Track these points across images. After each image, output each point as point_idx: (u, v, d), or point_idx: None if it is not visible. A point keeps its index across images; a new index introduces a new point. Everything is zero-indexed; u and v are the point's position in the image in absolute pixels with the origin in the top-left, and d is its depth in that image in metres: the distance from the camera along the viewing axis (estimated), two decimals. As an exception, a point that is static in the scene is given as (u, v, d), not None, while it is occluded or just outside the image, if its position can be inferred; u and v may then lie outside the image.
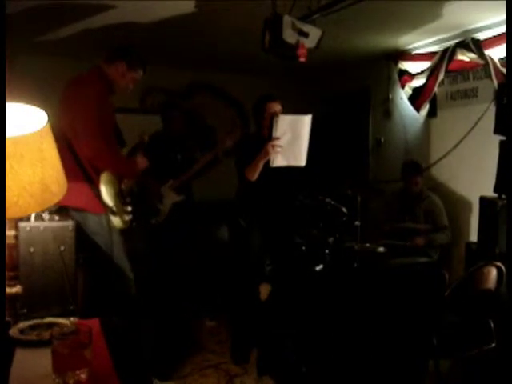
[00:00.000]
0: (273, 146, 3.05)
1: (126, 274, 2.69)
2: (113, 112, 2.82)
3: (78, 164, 2.53)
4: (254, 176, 3.18)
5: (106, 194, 2.59)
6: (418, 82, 4.43)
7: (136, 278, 2.77)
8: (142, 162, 2.84)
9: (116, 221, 2.65)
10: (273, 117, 3.10)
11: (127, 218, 2.72)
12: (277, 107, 3.33)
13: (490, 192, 3.18)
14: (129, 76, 2.77)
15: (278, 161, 3.13)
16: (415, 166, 4.14)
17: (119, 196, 2.71)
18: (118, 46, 2.82)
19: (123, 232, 2.77)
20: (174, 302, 4.00)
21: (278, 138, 3.05)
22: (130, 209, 2.77)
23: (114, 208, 2.62)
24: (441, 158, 4.26)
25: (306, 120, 3.13)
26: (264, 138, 3.36)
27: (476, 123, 3.84)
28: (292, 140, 3.12)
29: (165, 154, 4.10)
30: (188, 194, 4.18)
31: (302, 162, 3.20)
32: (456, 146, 4.08)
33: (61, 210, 2.47)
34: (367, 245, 3.40)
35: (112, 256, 2.60)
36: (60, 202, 2.48)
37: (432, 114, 4.42)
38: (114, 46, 2.82)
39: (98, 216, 2.60)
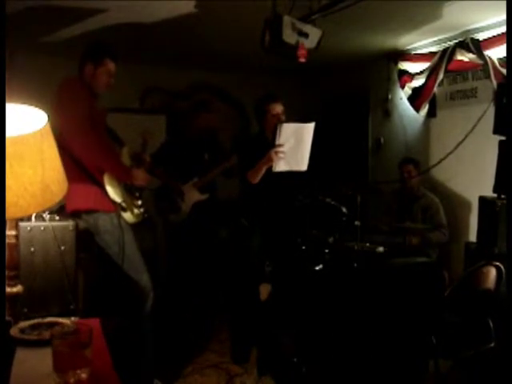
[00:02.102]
0: (276, 153, 3.09)
1: (140, 273, 2.68)
2: (102, 115, 2.80)
3: (82, 166, 2.53)
4: (256, 179, 3.23)
5: (113, 191, 2.59)
6: (418, 82, 4.43)
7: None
8: (141, 177, 2.74)
9: (127, 216, 2.66)
10: (276, 124, 3.15)
11: (138, 211, 2.72)
12: (279, 108, 3.36)
13: (489, 192, 3.19)
14: (99, 73, 2.69)
15: (281, 166, 3.19)
16: (409, 159, 4.18)
17: (127, 191, 2.71)
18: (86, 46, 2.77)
19: (136, 230, 2.77)
20: (174, 300, 4.01)
21: (281, 145, 3.10)
22: (140, 202, 2.76)
23: (124, 204, 2.62)
24: (442, 159, 4.25)
25: (309, 128, 3.20)
26: (267, 139, 3.38)
27: (477, 123, 3.84)
28: (295, 146, 3.18)
29: (190, 153, 4.09)
30: (212, 192, 4.17)
31: (303, 166, 3.28)
32: (458, 145, 4.07)
33: (61, 210, 2.48)
34: (367, 245, 3.40)
35: (124, 254, 2.60)
36: (70, 208, 2.51)
37: (431, 114, 4.43)
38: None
39: (109, 214, 2.60)
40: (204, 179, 4.07)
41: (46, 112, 1.38)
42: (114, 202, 2.59)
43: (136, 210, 2.72)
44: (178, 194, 4.00)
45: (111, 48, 2.76)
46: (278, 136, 3.10)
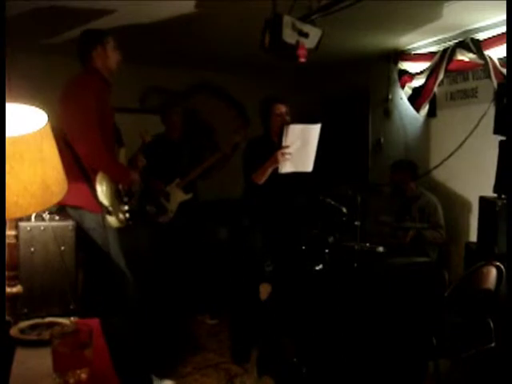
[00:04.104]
0: (282, 154, 3.10)
1: (124, 272, 2.69)
2: (112, 112, 2.82)
3: (76, 163, 2.54)
4: (262, 180, 3.26)
5: (102, 193, 2.60)
6: (418, 82, 4.43)
7: (138, 277, 2.77)
8: (135, 177, 2.81)
9: (112, 220, 2.66)
10: (283, 125, 3.16)
11: (123, 216, 2.73)
12: (283, 108, 3.38)
13: (489, 192, 3.19)
14: (110, 51, 2.78)
15: (287, 167, 3.21)
16: (399, 164, 4.16)
17: (116, 195, 2.72)
18: (79, 39, 2.85)
19: (125, 230, 2.78)
20: (174, 300, 4.01)
21: (287, 147, 3.11)
22: (126, 208, 2.78)
23: (110, 207, 2.63)
24: (444, 160, 4.26)
25: (315, 129, 3.22)
26: (272, 140, 3.38)
27: (478, 123, 3.84)
28: (301, 148, 3.20)
29: (171, 154, 4.10)
30: (193, 192, 4.19)
31: (309, 167, 3.31)
32: (459, 146, 4.08)
33: (61, 210, 2.48)
34: (367, 244, 3.41)
35: (108, 254, 2.61)
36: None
37: (432, 113, 4.42)
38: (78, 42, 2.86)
39: (95, 214, 2.61)
40: (186, 179, 4.08)
41: (48, 112, 1.38)
42: (100, 204, 2.59)
43: (121, 216, 2.73)
44: (163, 195, 4.02)
45: (104, 30, 2.88)
46: (284, 137, 3.12)
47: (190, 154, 4.21)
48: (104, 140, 2.59)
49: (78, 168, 2.53)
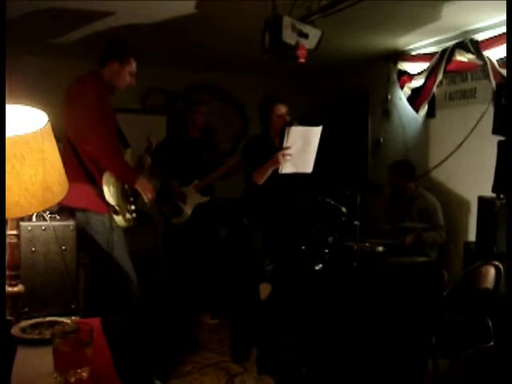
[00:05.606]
0: (283, 155, 3.12)
1: (128, 274, 2.69)
2: (113, 114, 2.82)
3: (81, 164, 2.54)
4: (262, 180, 3.28)
5: (109, 193, 2.60)
6: (417, 82, 4.43)
7: (144, 278, 2.77)
8: (145, 186, 2.74)
9: (119, 220, 2.67)
10: (284, 126, 3.18)
11: (130, 216, 2.74)
12: (283, 109, 3.39)
13: (488, 192, 3.19)
14: (125, 72, 2.75)
15: (287, 168, 3.23)
16: (398, 164, 4.17)
17: (123, 195, 2.72)
18: (107, 42, 2.81)
19: (128, 230, 2.78)
20: (174, 300, 4.01)
21: (288, 148, 3.13)
22: (133, 207, 2.78)
23: (117, 207, 2.63)
24: (443, 161, 4.27)
25: (317, 131, 3.24)
26: (271, 140, 3.39)
27: (476, 124, 3.86)
28: (301, 149, 3.22)
29: (191, 153, 4.10)
30: (211, 195, 4.19)
31: (309, 168, 3.32)
32: (459, 146, 4.09)
33: (62, 210, 2.49)
34: (366, 244, 3.41)
35: (113, 255, 2.61)
36: (63, 202, 2.53)
37: (431, 114, 4.43)
38: (105, 46, 2.81)
39: (101, 215, 2.61)
40: (205, 181, 4.07)
41: (49, 112, 1.39)
42: (107, 204, 2.59)
43: (128, 215, 2.72)
44: (179, 197, 4.02)
45: (133, 48, 2.82)
46: (285, 139, 3.13)
47: (209, 154, 4.22)
48: (110, 137, 2.60)
49: (82, 170, 2.53)
